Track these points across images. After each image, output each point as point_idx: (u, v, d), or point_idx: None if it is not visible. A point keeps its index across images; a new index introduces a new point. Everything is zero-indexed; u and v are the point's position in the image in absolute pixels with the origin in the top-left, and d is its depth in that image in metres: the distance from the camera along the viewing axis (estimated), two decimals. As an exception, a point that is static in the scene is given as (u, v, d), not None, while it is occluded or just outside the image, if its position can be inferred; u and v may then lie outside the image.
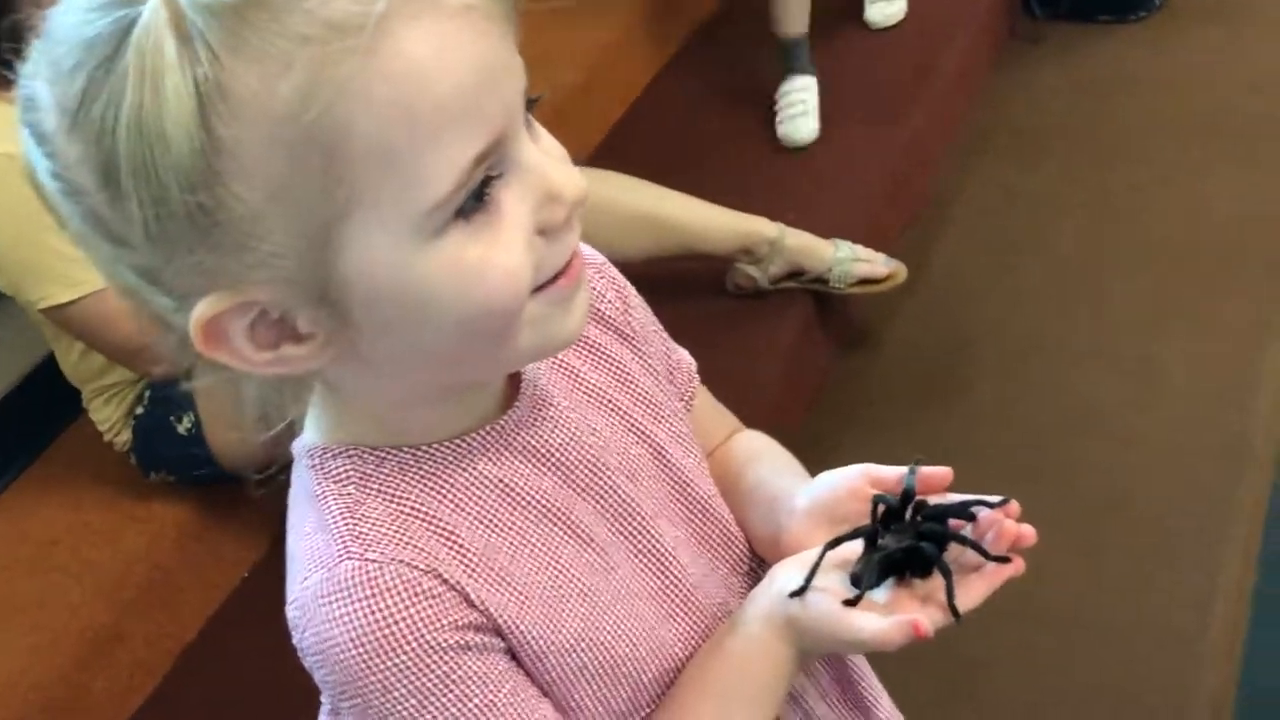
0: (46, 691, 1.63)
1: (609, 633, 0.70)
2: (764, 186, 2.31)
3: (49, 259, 1.62)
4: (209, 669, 1.77)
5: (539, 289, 0.62)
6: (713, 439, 0.87)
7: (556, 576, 0.69)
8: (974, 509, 0.71)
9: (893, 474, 0.74)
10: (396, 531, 0.65)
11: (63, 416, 1.94)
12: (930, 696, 1.66)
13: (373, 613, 0.62)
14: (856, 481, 0.76)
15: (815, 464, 0.82)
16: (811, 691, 0.80)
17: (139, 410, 1.81)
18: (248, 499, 1.77)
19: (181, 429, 1.77)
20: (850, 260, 2.07)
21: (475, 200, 0.58)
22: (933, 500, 0.72)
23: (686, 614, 0.74)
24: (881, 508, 0.72)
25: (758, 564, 0.81)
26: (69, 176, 0.57)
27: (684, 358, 0.86)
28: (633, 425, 0.76)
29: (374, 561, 0.63)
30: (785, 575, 0.73)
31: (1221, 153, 2.38)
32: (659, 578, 0.74)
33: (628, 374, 0.78)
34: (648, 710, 0.72)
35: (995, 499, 0.71)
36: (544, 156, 0.61)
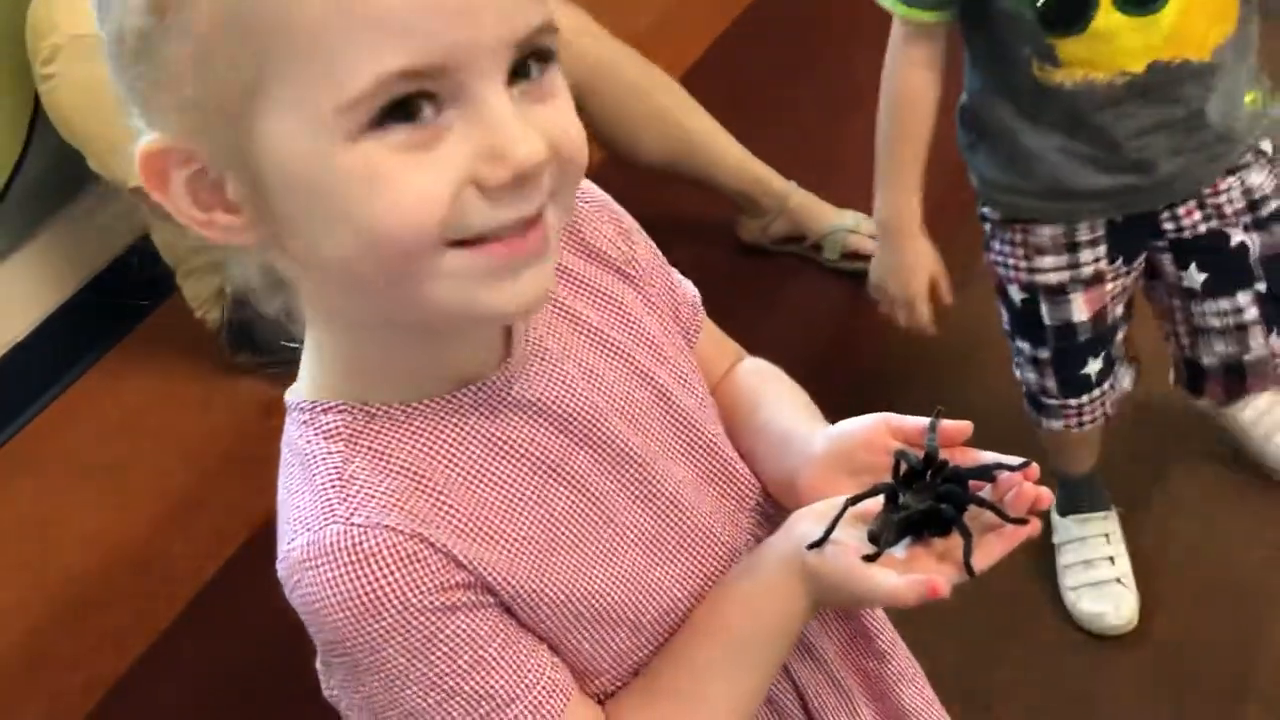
0: (130, 549, 1.71)
1: (603, 580, 0.70)
2: (854, 120, 2.28)
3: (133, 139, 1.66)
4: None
5: (465, 244, 0.59)
6: (717, 370, 0.86)
7: (549, 529, 0.69)
8: (995, 471, 0.72)
9: (912, 424, 0.74)
10: (384, 493, 0.65)
11: (158, 292, 1.99)
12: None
13: (357, 578, 0.63)
14: (875, 431, 0.76)
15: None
16: (821, 635, 0.81)
17: (229, 289, 1.87)
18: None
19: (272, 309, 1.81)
20: (845, 231, 1.98)
21: (401, 116, 0.57)
22: (955, 458, 0.73)
23: (688, 555, 0.75)
24: (904, 467, 0.72)
25: (765, 500, 0.81)
26: None
27: (688, 291, 0.84)
28: (635, 368, 0.76)
29: (359, 526, 0.63)
30: (804, 526, 0.73)
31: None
32: (660, 521, 0.74)
33: (630, 315, 0.77)
34: (650, 649, 0.73)
35: (1016, 461, 0.72)
36: (511, 112, 0.58)
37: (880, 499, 0.72)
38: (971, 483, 0.72)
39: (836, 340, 1.98)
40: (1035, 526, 0.70)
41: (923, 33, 1.38)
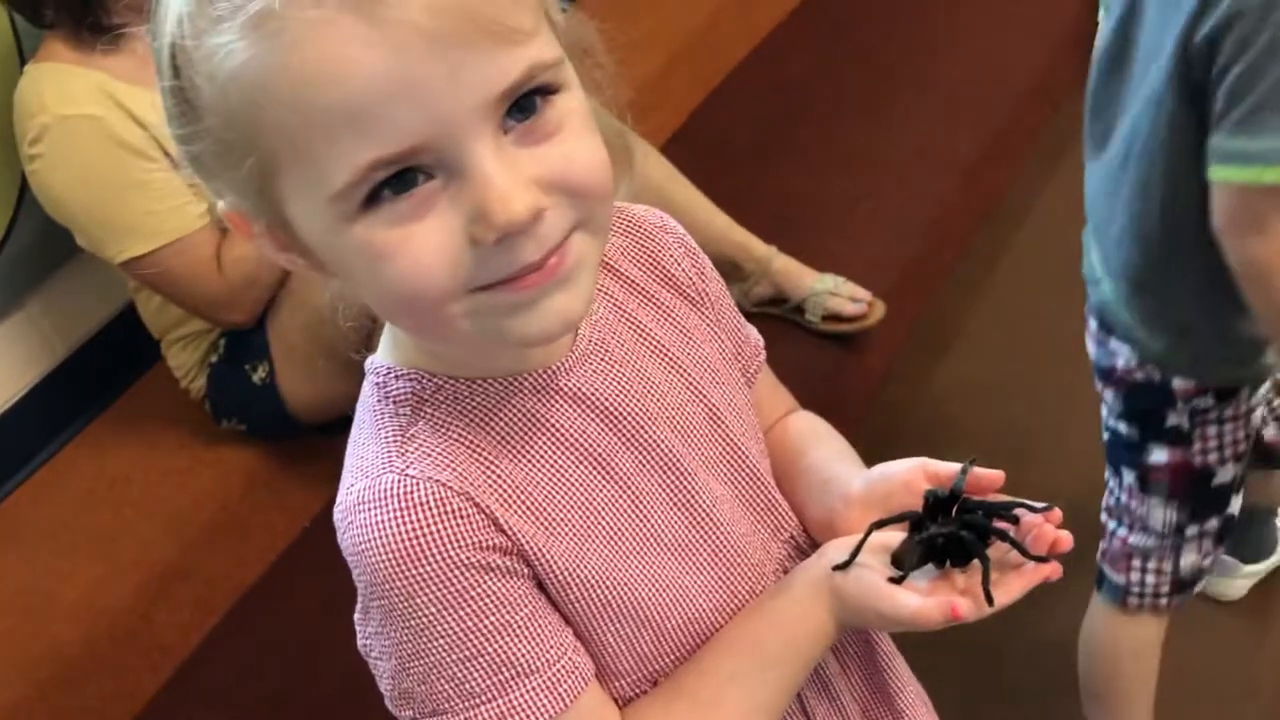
0: (114, 618, 1.70)
1: (632, 575, 0.73)
2: (832, 186, 2.32)
3: (125, 215, 1.68)
4: (266, 612, 1.83)
5: (482, 289, 0.62)
6: (770, 415, 0.90)
7: (588, 516, 0.72)
8: (1017, 511, 0.74)
9: (948, 469, 0.77)
10: (440, 454, 0.69)
11: (141, 362, 2.00)
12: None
13: (404, 523, 0.67)
14: (912, 474, 0.79)
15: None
16: (833, 664, 0.83)
17: (213, 358, 1.87)
18: (314, 450, 1.84)
19: (256, 378, 1.83)
20: (826, 294, 2.03)
21: (396, 187, 0.60)
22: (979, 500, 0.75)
23: (716, 568, 0.77)
24: (931, 499, 0.75)
25: (801, 535, 0.84)
26: None
27: (752, 334, 0.90)
28: (690, 384, 0.79)
29: (412, 477, 0.68)
30: (833, 552, 0.76)
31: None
32: (693, 530, 0.77)
33: (692, 337, 0.81)
34: (672, 658, 0.76)
35: (1040, 504, 0.74)
36: (497, 174, 0.59)
37: (906, 530, 0.74)
38: (995, 523, 0.74)
39: (820, 401, 1.97)
40: (1056, 568, 0.72)
41: None
